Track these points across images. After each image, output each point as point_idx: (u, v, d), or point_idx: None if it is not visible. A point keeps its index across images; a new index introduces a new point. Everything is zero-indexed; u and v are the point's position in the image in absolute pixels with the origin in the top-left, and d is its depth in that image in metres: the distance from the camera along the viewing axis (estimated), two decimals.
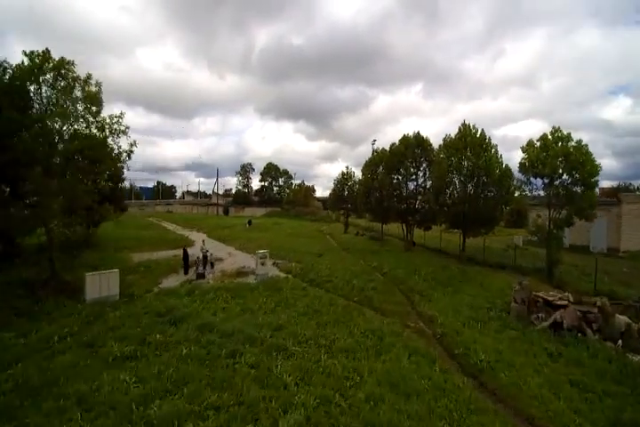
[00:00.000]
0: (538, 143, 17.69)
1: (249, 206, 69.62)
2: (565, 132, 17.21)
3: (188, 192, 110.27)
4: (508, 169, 20.81)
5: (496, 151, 20.94)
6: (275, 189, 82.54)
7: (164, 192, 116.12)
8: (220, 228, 38.41)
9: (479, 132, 21.18)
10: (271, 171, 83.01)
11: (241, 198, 79.42)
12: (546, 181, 17.29)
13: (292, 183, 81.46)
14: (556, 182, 17.07)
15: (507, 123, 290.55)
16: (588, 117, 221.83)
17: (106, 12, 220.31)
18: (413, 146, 25.46)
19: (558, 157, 16.55)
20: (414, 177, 25.72)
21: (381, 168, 27.42)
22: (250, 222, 40.68)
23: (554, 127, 17.40)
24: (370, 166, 28.96)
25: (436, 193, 21.99)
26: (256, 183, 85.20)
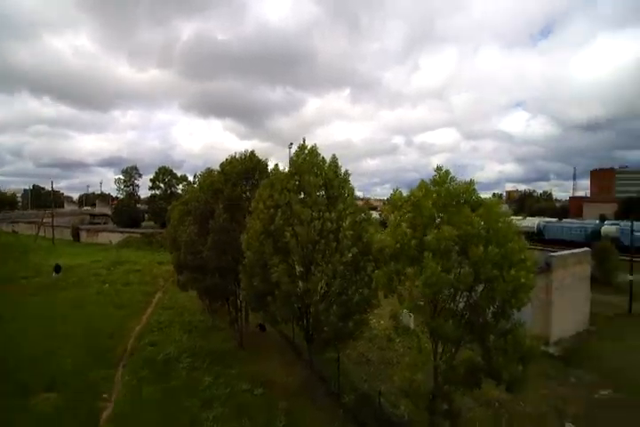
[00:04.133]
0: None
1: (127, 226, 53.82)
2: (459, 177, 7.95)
3: (67, 199, 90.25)
4: None
5: None
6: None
7: (41, 199, 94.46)
8: None
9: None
10: (164, 177, 68.37)
11: (125, 212, 63.72)
12: None
13: None
14: None
15: (425, 130, 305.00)
16: (491, 129, 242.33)
17: None
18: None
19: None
20: None
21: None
22: (58, 269, 27.52)
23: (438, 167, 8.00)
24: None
25: None
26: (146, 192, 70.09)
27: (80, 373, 13.14)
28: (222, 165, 16.08)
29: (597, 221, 52.91)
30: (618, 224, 46.32)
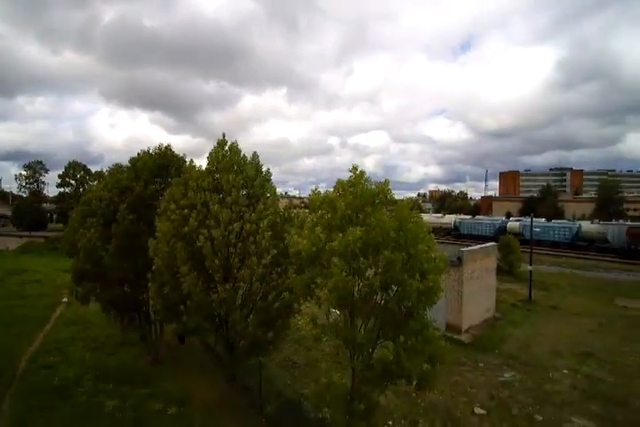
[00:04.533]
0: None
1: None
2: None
3: None
4: None
5: None
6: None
7: None
8: None
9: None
10: (75, 173, 60.76)
11: (28, 213, 55.12)
12: None
13: None
14: None
15: (359, 132, 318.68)
16: (418, 133, 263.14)
17: None
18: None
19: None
20: None
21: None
22: None
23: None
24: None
25: None
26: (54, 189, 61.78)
27: None
28: (132, 160, 14.40)
29: (504, 218, 59.71)
30: (521, 220, 52.81)
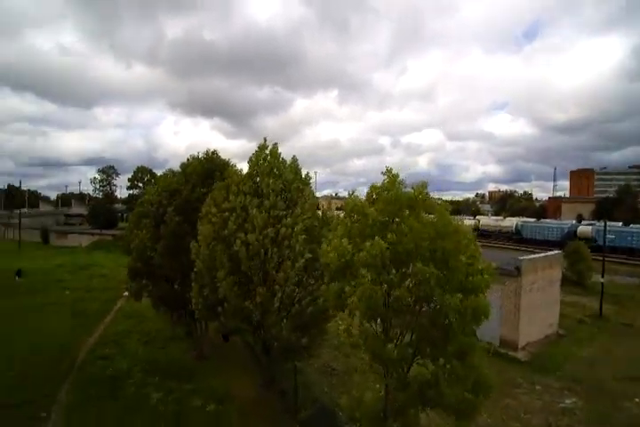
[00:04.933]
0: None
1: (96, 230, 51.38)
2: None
3: (45, 199, 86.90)
4: None
5: None
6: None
7: (16, 199, 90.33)
8: None
9: None
10: (143, 176, 66.47)
11: (101, 213, 61.50)
12: None
13: None
14: None
15: (411, 131, 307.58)
16: (475, 129, 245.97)
17: None
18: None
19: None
20: None
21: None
22: (19, 274, 26.06)
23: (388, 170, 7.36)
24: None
25: None
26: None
27: (19, 389, 12.11)
28: (183, 165, 15.20)
29: (574, 222, 53.86)
30: (594, 224, 47.19)
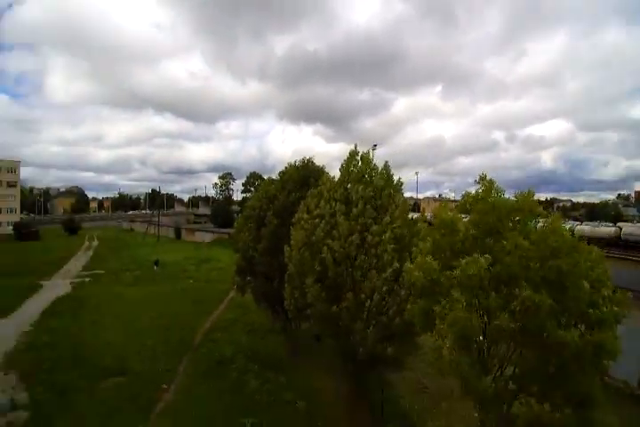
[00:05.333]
0: None
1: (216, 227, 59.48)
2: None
3: (179, 201, 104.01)
4: None
5: None
6: None
7: (160, 201, 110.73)
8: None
9: None
10: (254, 181, 74.26)
11: (221, 213, 70.90)
12: None
13: None
14: None
15: (531, 123, 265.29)
16: (616, 117, 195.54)
17: (138, 27, 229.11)
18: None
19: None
20: None
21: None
22: (157, 264, 31.67)
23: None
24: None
25: None
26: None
27: (150, 360, 14.64)
28: (281, 173, 16.39)
29: None
30: None
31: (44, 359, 14.16)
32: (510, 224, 6.15)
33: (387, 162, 11.88)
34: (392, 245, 9.34)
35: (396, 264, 9.27)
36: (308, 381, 13.52)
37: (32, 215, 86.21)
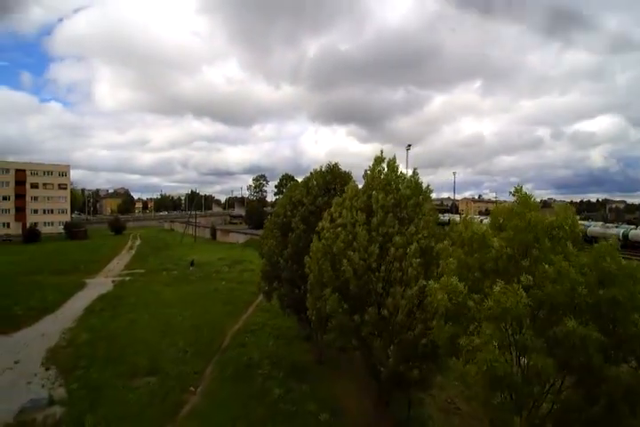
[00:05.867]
0: None
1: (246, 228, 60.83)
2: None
3: (217, 202, 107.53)
4: None
5: None
6: None
7: (198, 202, 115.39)
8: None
9: None
10: (286, 182, 75.13)
11: (255, 214, 72.42)
12: None
13: None
14: None
15: (579, 118, 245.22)
16: None
17: (178, 36, 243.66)
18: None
19: None
20: None
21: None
22: (192, 264, 32.75)
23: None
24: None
25: None
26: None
27: (180, 361, 14.98)
28: (306, 178, 16.23)
29: None
30: None
31: (82, 356, 14.97)
32: (549, 244, 5.46)
33: (415, 169, 11.30)
34: (418, 259, 8.77)
35: (423, 282, 8.66)
36: (331, 392, 13.19)
37: (82, 215, 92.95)
